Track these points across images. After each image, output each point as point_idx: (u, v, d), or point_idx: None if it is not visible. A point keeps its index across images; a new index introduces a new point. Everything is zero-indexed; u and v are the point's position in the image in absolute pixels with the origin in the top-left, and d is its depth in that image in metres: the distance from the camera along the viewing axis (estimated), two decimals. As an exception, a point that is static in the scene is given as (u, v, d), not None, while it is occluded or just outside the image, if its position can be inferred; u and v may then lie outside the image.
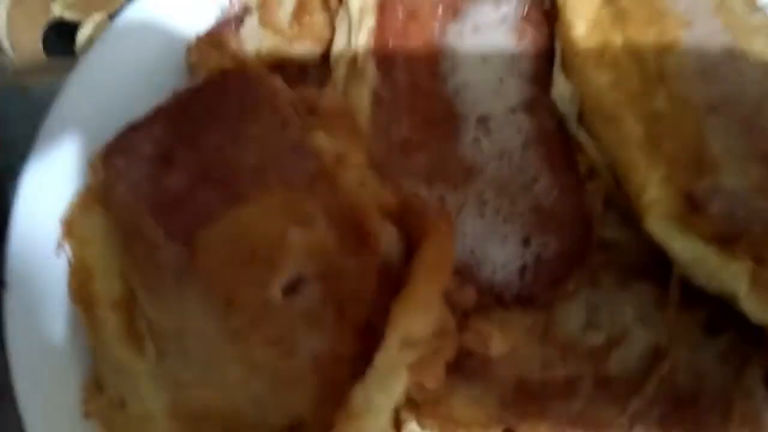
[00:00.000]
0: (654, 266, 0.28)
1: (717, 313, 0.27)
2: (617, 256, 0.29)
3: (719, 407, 0.26)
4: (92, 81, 0.38)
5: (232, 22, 0.40)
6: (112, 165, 0.33)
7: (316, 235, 0.26)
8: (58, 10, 0.50)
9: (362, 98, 0.33)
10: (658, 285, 0.28)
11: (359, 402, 0.22)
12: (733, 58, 0.33)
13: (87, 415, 0.28)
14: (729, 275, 0.26)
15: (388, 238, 0.25)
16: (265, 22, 0.38)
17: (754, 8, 0.36)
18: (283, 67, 0.37)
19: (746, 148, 0.30)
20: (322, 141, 0.29)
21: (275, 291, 0.26)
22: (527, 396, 0.27)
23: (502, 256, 0.28)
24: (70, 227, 0.32)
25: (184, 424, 0.26)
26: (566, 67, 0.33)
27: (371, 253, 0.24)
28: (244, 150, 0.31)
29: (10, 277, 0.31)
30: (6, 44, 0.48)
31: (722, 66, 0.32)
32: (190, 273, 0.28)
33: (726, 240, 0.26)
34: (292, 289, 0.26)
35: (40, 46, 0.49)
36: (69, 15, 0.50)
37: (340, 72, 0.34)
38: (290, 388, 0.25)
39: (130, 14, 0.38)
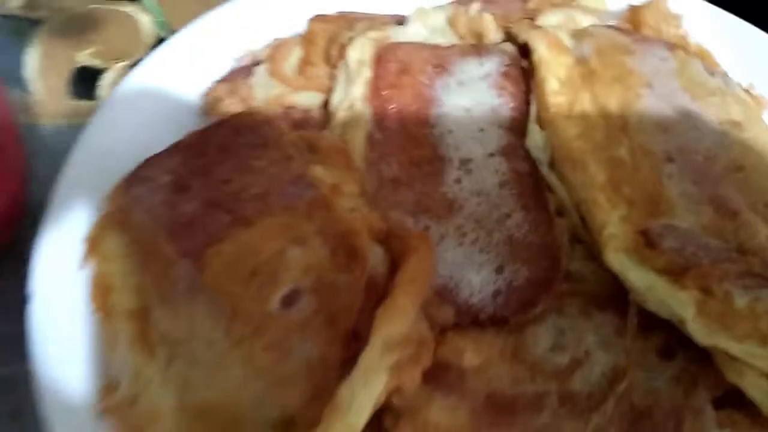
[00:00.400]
0: (615, 297, 0.32)
1: (671, 338, 0.30)
2: (582, 287, 0.33)
3: (672, 424, 0.29)
4: (113, 121, 0.42)
5: (244, 71, 0.44)
6: (132, 191, 0.37)
7: (311, 254, 0.30)
8: (82, 59, 0.55)
9: (357, 140, 0.37)
10: (617, 314, 0.32)
11: (344, 398, 0.25)
12: (689, 114, 0.37)
13: (102, 412, 0.31)
14: (677, 303, 0.29)
15: (374, 257, 0.29)
16: (273, 72, 0.43)
17: (712, 73, 0.41)
18: (288, 111, 0.42)
19: (698, 194, 0.34)
20: (320, 173, 0.33)
21: (275, 303, 0.29)
22: (498, 408, 0.30)
23: (478, 281, 0.32)
24: (93, 246, 0.36)
25: (189, 419, 0.28)
26: (540, 119, 0.37)
27: (360, 269, 0.28)
28: (250, 181, 0.35)
29: (36, 289, 0.34)
30: (33, 87, 0.53)
31: (679, 121, 0.37)
32: (199, 287, 0.31)
33: (676, 272, 0.30)
34: (289, 301, 0.29)
35: (65, 89, 0.53)
36: (93, 63, 0.55)
37: (338, 117, 0.39)
38: (285, 389, 0.28)
39: (151, 62, 0.43)
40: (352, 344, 0.27)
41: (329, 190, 0.31)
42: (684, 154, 0.35)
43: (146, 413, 0.29)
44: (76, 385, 0.32)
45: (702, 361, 0.29)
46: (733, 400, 0.29)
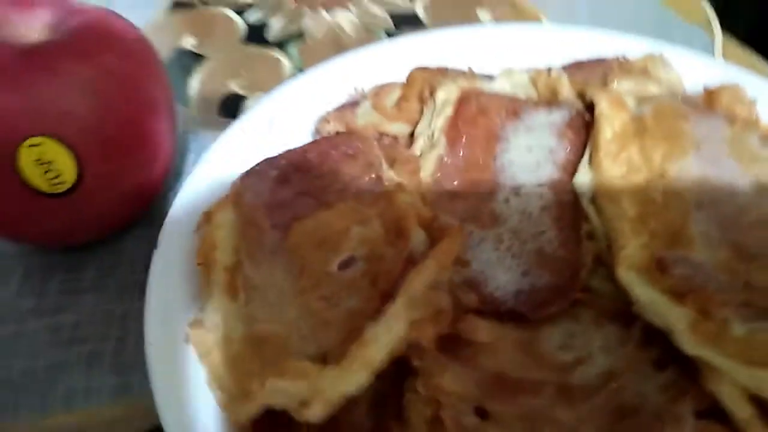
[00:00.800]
0: (624, 313, 0.36)
1: (667, 353, 0.34)
2: (598, 301, 0.37)
3: (654, 426, 0.32)
4: (240, 132, 0.52)
5: (353, 104, 0.54)
6: (247, 180, 0.46)
7: (369, 231, 0.37)
8: (232, 87, 0.67)
9: (429, 159, 0.44)
10: (624, 327, 0.36)
11: (369, 338, 0.32)
12: (730, 173, 0.41)
13: (187, 339, 0.39)
14: (673, 317, 0.33)
15: (417, 237, 0.35)
16: (375, 105, 0.52)
17: (766, 144, 0.44)
18: (381, 136, 0.50)
19: (720, 236, 0.37)
20: (391, 175, 0.40)
21: (334, 265, 0.37)
22: (502, 386, 0.34)
23: (504, 279, 0.37)
24: (208, 217, 0.45)
25: (251, 344, 0.36)
26: (591, 161, 0.43)
27: (403, 244, 0.35)
28: (337, 179, 0.43)
29: (162, 240, 0.44)
30: (193, 103, 0.65)
31: (717, 177, 0.41)
32: (281, 250, 0.39)
33: (679, 292, 0.34)
34: (345, 265, 0.37)
35: (217, 109, 0.66)
36: (240, 91, 0.67)
37: (419, 141, 0.46)
38: (326, 330, 0.34)
39: (278, 94, 0.54)
40: (385, 301, 0.34)
41: (395, 186, 0.39)
42: (715, 204, 0.39)
43: (221, 339, 0.37)
44: (176, 316, 0.40)
45: (691, 376, 0.33)
46: (714, 413, 0.31)
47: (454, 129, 0.46)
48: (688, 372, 0.33)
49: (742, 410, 0.30)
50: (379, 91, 0.53)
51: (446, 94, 0.49)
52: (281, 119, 0.54)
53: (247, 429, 0.36)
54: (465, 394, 0.34)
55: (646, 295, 0.34)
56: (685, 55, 0.58)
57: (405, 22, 0.75)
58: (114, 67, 0.42)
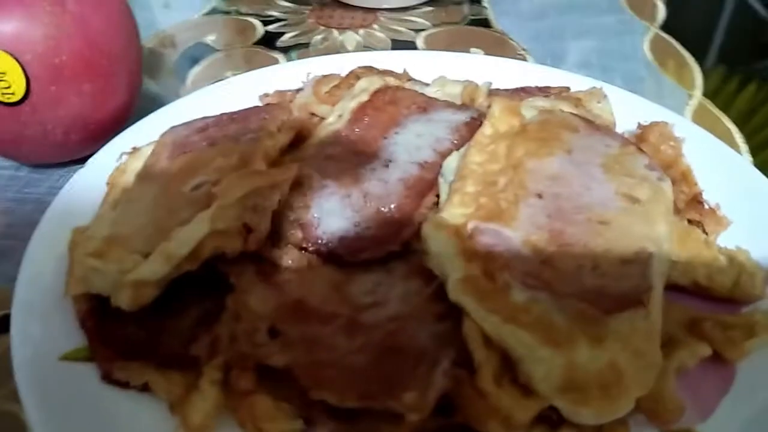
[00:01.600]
0: (431, 272, 0.38)
1: (451, 310, 0.35)
2: (413, 259, 0.39)
3: (413, 363, 0.34)
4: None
5: (300, 89, 0.59)
6: (177, 127, 0.52)
7: (226, 162, 0.42)
8: (228, 74, 0.74)
9: (324, 130, 0.49)
10: (425, 283, 0.38)
11: (173, 234, 0.36)
12: (588, 179, 0.43)
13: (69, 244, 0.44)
14: (452, 267, 0.35)
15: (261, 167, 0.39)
16: (314, 89, 0.57)
17: (651, 169, 0.45)
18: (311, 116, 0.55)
19: (545, 223, 0.39)
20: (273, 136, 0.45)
21: (188, 187, 0.42)
22: (298, 312, 0.37)
23: (335, 226, 0.40)
24: (135, 150, 0.52)
25: (106, 242, 0.40)
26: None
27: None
28: (238, 131, 0.48)
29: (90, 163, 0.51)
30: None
31: (572, 179, 0.42)
32: (162, 175, 0.45)
33: (470, 253, 0.36)
34: (197, 187, 0.41)
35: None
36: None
37: (329, 119, 0.51)
38: (160, 235, 0.39)
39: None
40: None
41: (267, 137, 0.44)
42: (556, 198, 0.40)
43: (87, 237, 0.42)
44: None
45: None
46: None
47: (361, 111, 0.51)
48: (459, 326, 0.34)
49: (479, 353, 0.32)
50: (322, 79, 0.59)
51: (367, 84, 0.53)
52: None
53: (85, 315, 0.40)
54: (263, 313, 0.37)
55: (438, 246, 0.36)
56: (625, 96, 0.60)
57: (402, 48, 0.81)
58: (76, 10, 0.49)
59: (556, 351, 0.32)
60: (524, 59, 0.77)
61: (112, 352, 0.38)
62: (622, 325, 0.34)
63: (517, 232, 0.38)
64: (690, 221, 0.49)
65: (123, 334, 0.39)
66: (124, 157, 0.51)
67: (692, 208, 0.49)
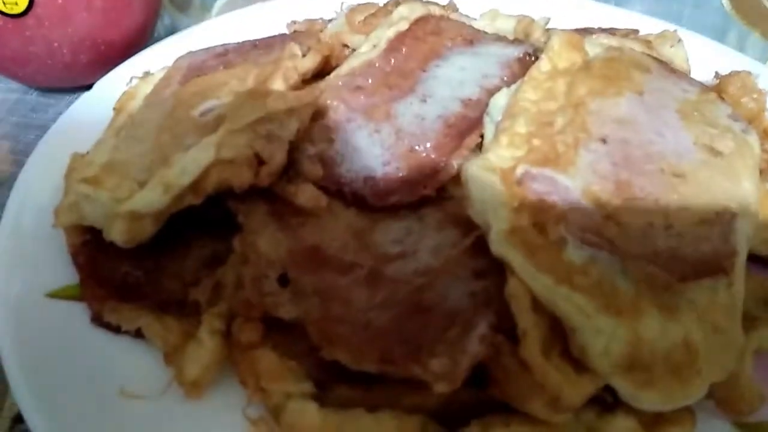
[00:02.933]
0: (469, 221, 0.32)
1: (492, 264, 0.30)
2: (450, 206, 0.34)
3: (443, 324, 0.28)
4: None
5: (331, 19, 0.53)
6: (193, 52, 0.47)
7: (241, 85, 0.36)
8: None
9: (357, 60, 0.43)
10: (462, 234, 0.32)
11: (172, 160, 0.31)
12: (662, 125, 0.36)
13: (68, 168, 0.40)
14: (497, 216, 0.29)
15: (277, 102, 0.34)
16: (348, 18, 0.51)
17: (735, 119, 0.39)
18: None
19: (610, 171, 0.33)
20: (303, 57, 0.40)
21: (197, 112, 0.36)
22: (312, 259, 0.32)
23: (360, 165, 0.35)
24: (146, 75, 0.46)
25: (104, 169, 0.36)
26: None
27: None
28: (260, 56, 0.43)
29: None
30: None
31: (645, 123, 0.36)
32: (171, 97, 0.40)
33: (522, 203, 0.30)
34: (206, 112, 0.36)
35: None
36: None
37: (363, 47, 0.45)
38: (162, 163, 0.34)
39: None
40: (217, 140, 0.33)
41: (288, 58, 0.38)
42: (623, 144, 0.34)
43: (85, 161, 0.38)
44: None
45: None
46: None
47: (399, 41, 0.45)
48: (502, 289, 0.29)
49: (524, 318, 0.26)
50: (357, 8, 0.52)
51: (408, 11, 0.47)
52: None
53: (77, 249, 0.36)
54: (274, 258, 0.33)
55: (481, 191, 0.30)
56: (702, 41, 0.52)
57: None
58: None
59: (619, 321, 0.26)
60: None
61: (104, 291, 0.34)
62: (700, 295, 0.28)
63: (576, 181, 0.32)
64: (772, 185, 0.42)
65: (117, 273, 0.35)
66: (135, 81, 0.46)
67: (775, 170, 0.43)
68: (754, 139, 0.38)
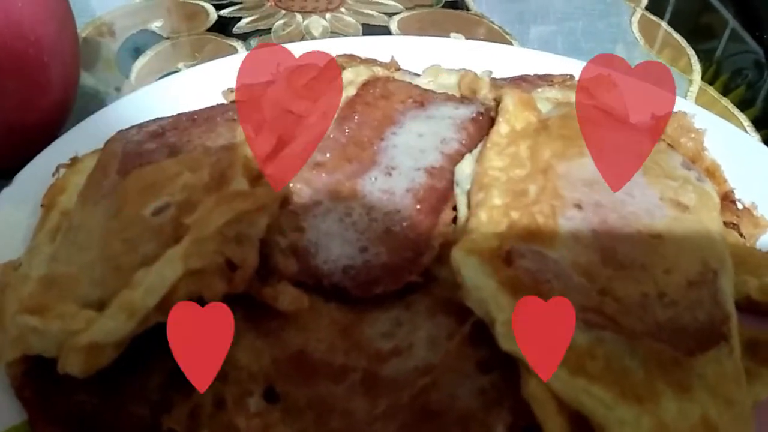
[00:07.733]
0: (463, 307, 0.30)
1: (495, 355, 0.28)
2: (437, 290, 0.32)
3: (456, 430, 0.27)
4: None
5: (270, 81, 0.51)
6: (124, 132, 0.43)
7: (196, 178, 0.33)
8: (181, 66, 0.65)
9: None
10: (458, 321, 0.31)
11: (135, 280, 0.28)
12: (631, 183, 0.36)
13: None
14: (495, 306, 0.28)
15: (238, 186, 0.31)
16: (289, 82, 0.49)
17: (688, 168, 0.39)
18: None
19: (591, 240, 0.32)
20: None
21: (149, 210, 0.33)
22: (300, 367, 0.29)
23: (337, 253, 0.33)
24: (74, 162, 0.42)
25: (42, 284, 0.32)
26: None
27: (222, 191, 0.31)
28: (204, 136, 0.40)
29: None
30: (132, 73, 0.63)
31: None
32: (113, 193, 0.36)
33: (515, 286, 0.29)
34: (159, 211, 0.33)
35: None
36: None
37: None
38: (116, 276, 0.30)
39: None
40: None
41: (245, 144, 0.35)
42: (598, 208, 0.34)
43: (20, 276, 0.33)
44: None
45: (516, 386, 0.27)
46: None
47: (349, 108, 0.43)
48: (513, 381, 0.27)
49: (552, 422, 0.25)
50: (297, 71, 0.50)
51: (353, 75, 0.46)
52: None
53: (21, 382, 0.32)
54: (257, 371, 0.30)
55: (474, 279, 0.29)
56: (633, 84, 0.54)
57: (374, 33, 0.73)
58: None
59: (641, 409, 0.25)
60: (509, 44, 0.71)
61: (58, 428, 0.30)
62: (708, 368, 0.27)
63: (562, 254, 0.31)
64: (725, 224, 0.43)
65: (71, 405, 0.31)
66: (62, 170, 0.42)
67: (725, 208, 0.44)
68: (710, 188, 0.39)
